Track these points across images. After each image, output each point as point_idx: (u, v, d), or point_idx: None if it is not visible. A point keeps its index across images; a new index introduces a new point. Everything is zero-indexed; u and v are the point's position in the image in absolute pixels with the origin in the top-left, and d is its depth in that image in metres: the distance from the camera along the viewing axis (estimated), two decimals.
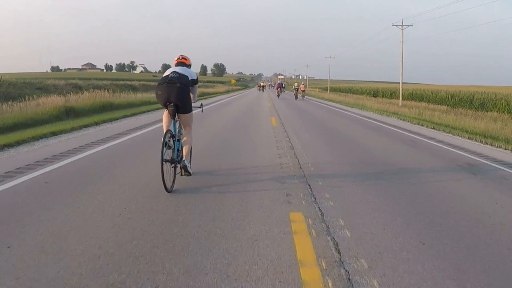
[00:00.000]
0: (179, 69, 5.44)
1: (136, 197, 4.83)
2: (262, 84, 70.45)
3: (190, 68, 5.75)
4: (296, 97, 40.71)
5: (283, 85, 46.37)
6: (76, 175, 5.92)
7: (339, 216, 4.35)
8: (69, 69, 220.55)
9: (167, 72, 5.41)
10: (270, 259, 3.23)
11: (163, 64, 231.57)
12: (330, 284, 2.88)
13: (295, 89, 42.72)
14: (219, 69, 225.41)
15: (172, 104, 5.18)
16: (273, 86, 61.41)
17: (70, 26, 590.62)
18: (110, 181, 5.62)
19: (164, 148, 4.86)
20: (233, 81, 75.49)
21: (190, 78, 5.42)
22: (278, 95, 42.52)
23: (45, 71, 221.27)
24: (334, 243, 3.62)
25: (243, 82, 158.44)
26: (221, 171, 6.48)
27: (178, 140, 5.37)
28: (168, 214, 4.29)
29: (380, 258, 3.34)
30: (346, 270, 3.10)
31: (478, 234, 4.06)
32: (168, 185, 4.94)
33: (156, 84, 5.41)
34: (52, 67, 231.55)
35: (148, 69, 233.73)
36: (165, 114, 5.42)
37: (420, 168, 7.46)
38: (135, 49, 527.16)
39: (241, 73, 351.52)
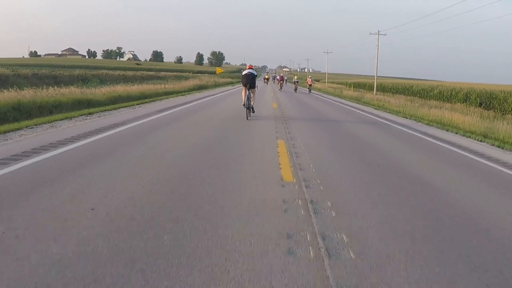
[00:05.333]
0: (251, 70, 13.47)
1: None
2: (266, 76, 66.82)
3: (253, 69, 13.79)
4: (296, 90, 40.47)
5: (285, 78, 50.54)
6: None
7: None
8: (49, 54, 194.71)
9: (245, 72, 13.41)
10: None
11: (153, 51, 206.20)
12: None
13: (294, 82, 42.92)
14: (217, 58, 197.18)
15: (248, 85, 13.03)
16: (277, 79, 64.05)
17: (48, 7, 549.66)
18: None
19: (246, 102, 12.87)
20: (219, 71, 48.98)
21: (255, 74, 13.46)
22: (281, 88, 42.48)
23: (21, 56, 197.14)
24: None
25: None
26: None
27: (248, 99, 12.93)
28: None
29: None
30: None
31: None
32: (247, 117, 12.71)
33: (241, 75, 13.62)
34: (30, 52, 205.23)
35: (138, 57, 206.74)
36: (243, 89, 13.20)
37: None
38: (124, 35, 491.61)
39: (245, 64, 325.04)
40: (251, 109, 13.07)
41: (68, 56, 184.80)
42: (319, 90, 51.83)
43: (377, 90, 49.42)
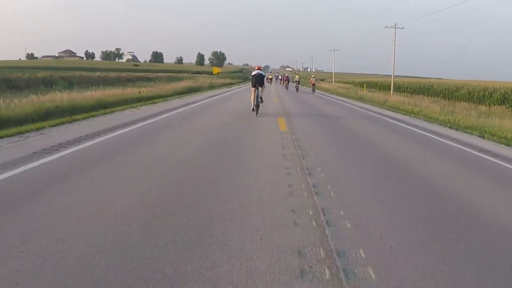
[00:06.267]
0: (259, 71, 14.82)
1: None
2: (269, 76, 63.11)
3: (262, 70, 15.27)
4: (297, 90, 39.40)
5: (289, 78, 48.36)
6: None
7: None
8: (46, 56, 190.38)
9: (255, 72, 14.84)
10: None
11: (153, 52, 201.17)
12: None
13: (295, 81, 42.38)
14: (218, 58, 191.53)
15: (257, 84, 14.21)
16: (279, 79, 68.53)
17: (47, 9, 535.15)
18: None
19: (255, 99, 14.06)
20: (216, 71, 44.22)
21: (263, 75, 14.87)
22: (287, 87, 43.13)
23: (17, 58, 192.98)
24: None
25: (246, 74, 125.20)
26: None
27: (257, 96, 14.14)
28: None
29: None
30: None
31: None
32: (256, 113, 14.04)
33: (250, 76, 15.36)
34: (27, 54, 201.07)
35: (137, 58, 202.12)
36: (252, 93, 14.20)
37: None
38: (124, 37, 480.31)
39: (247, 64, 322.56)
40: (259, 103, 14.42)
41: (65, 58, 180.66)
42: (328, 90, 46.65)
43: (393, 90, 44.49)
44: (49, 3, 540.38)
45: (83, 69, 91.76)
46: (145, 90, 20.50)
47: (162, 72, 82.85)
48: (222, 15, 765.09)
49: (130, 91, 18.80)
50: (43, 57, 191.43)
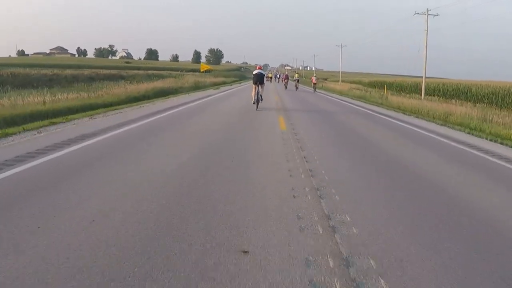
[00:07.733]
0: (260, 71, 16.99)
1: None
2: (269, 75, 63.40)
3: (262, 70, 17.50)
4: (297, 88, 40.71)
5: (289, 77, 48.95)
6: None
7: None
8: (37, 53, 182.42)
9: (256, 71, 16.94)
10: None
11: (147, 49, 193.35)
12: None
13: (295, 80, 43.59)
14: (215, 55, 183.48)
15: (258, 82, 16.21)
16: (278, 78, 67.73)
17: (45, 7, 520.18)
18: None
19: (256, 95, 16.13)
20: (204, 67, 36.57)
21: (263, 74, 17.09)
22: (286, 86, 43.09)
23: (7, 55, 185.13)
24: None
25: (243, 72, 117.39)
26: None
27: (258, 93, 16.14)
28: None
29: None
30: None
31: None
32: (256, 107, 16.05)
33: (252, 76, 17.27)
34: (18, 51, 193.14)
35: (132, 55, 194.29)
36: (254, 88, 16.29)
37: None
38: (122, 35, 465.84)
39: (246, 63, 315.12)
40: (259, 99, 16.32)
41: (56, 55, 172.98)
42: (340, 92, 38.51)
43: (414, 92, 36.86)
44: (49, 2, 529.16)
45: (70, 66, 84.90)
46: (66, 96, 12.76)
47: (155, 70, 76.05)
48: (222, 15, 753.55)
49: (26, 100, 10.96)
50: (33, 54, 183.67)
